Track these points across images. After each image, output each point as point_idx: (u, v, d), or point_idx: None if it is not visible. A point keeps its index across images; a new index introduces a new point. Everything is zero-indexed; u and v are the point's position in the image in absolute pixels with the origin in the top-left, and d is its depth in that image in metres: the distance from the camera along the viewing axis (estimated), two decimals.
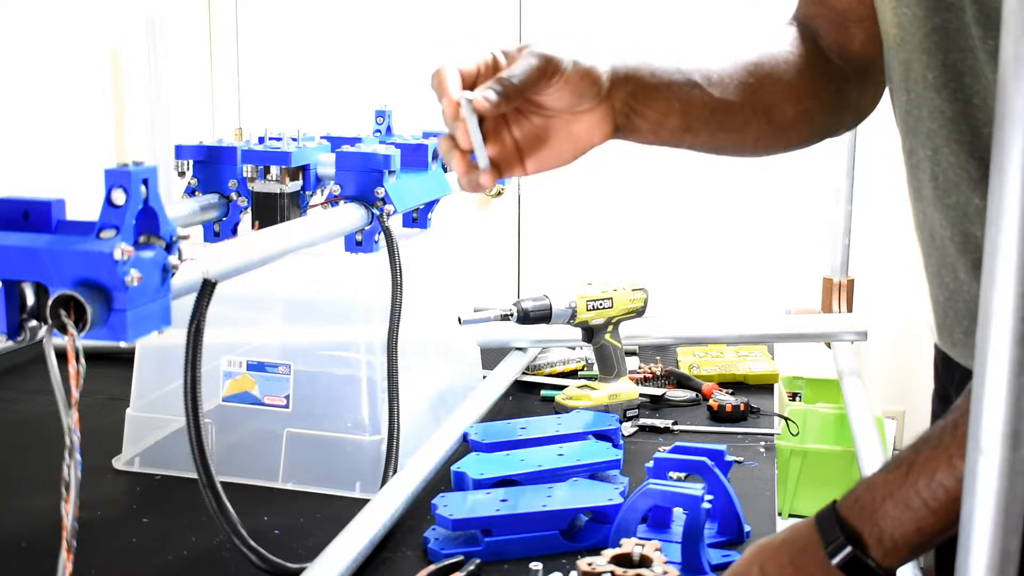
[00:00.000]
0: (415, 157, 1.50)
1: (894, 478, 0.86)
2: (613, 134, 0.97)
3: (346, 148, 1.40)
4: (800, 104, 1.05)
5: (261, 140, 1.47)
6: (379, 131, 1.80)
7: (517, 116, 0.94)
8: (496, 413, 1.65)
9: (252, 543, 1.07)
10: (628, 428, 1.60)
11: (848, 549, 0.87)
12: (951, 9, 0.88)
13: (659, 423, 1.62)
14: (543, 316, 1.58)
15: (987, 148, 0.80)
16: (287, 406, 1.40)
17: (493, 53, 0.92)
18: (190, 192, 1.43)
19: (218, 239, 1.43)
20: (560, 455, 1.36)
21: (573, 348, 1.90)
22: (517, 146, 0.95)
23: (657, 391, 1.74)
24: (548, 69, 0.90)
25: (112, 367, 1.63)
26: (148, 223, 0.80)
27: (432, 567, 1.13)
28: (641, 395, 1.68)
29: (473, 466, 1.33)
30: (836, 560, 0.88)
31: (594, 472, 1.34)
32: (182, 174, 1.43)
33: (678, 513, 1.23)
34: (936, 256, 0.99)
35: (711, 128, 1.01)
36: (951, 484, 0.82)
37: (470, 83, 0.91)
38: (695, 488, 1.14)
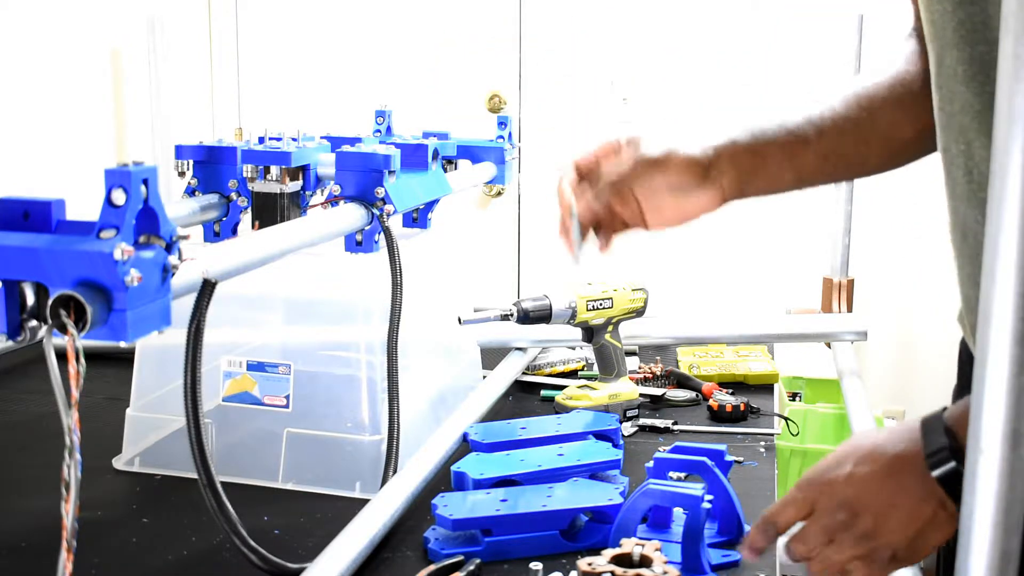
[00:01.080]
0: (415, 157, 1.50)
1: None
2: (724, 204, 1.07)
3: (346, 148, 1.40)
4: (919, 122, 1.05)
5: (261, 140, 1.46)
6: (379, 131, 1.80)
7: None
8: (496, 413, 1.65)
9: (252, 543, 1.07)
10: (628, 428, 1.60)
11: (952, 464, 0.83)
12: (975, 2, 0.89)
13: (659, 423, 1.62)
14: (543, 316, 1.58)
15: None
16: (287, 406, 1.40)
17: (610, 142, 1.07)
18: (190, 192, 1.43)
19: (218, 239, 1.43)
20: (560, 455, 1.36)
21: (573, 348, 1.90)
22: (639, 205, 1.07)
23: (657, 391, 1.74)
24: (653, 168, 1.03)
25: (112, 367, 1.63)
26: (148, 223, 0.80)
27: (432, 567, 1.13)
28: (641, 395, 1.68)
29: (473, 466, 1.33)
30: (937, 472, 0.84)
31: (594, 472, 1.34)
32: (182, 174, 1.43)
33: (678, 513, 1.23)
34: (968, 254, 0.97)
35: (826, 173, 1.07)
36: None
37: (589, 170, 1.08)
38: (695, 488, 1.14)
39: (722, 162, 1.03)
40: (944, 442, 0.84)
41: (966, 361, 1.12)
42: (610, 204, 1.07)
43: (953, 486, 0.83)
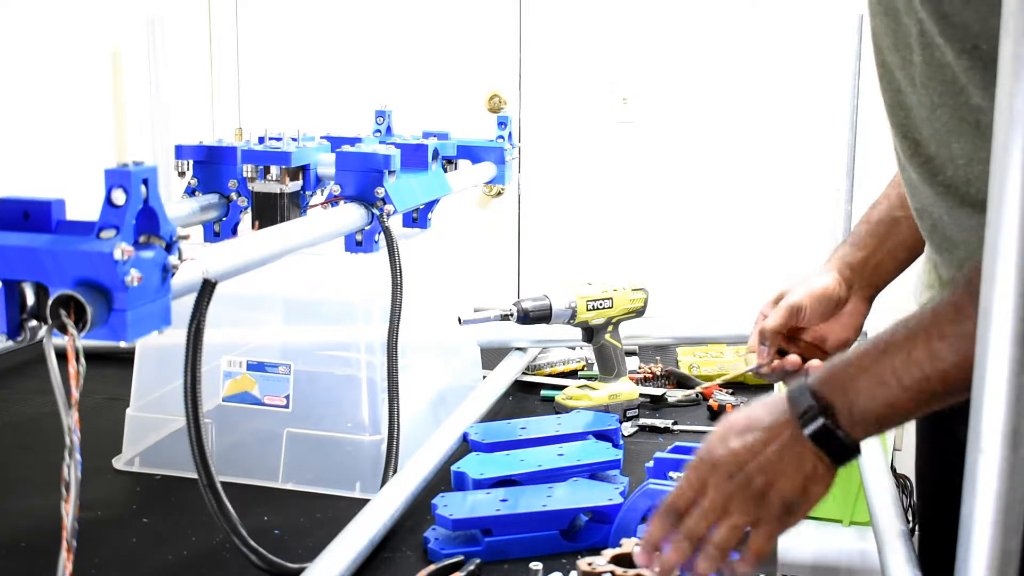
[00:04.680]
0: (415, 157, 1.50)
1: (870, 356, 0.91)
2: (871, 302, 1.33)
3: (346, 148, 1.40)
4: None
5: (261, 140, 1.46)
6: (379, 131, 1.80)
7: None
8: (496, 413, 1.65)
9: (252, 543, 1.07)
10: (628, 428, 1.60)
11: (820, 420, 0.90)
12: (888, 12, 0.98)
13: (659, 423, 1.62)
14: (543, 316, 1.58)
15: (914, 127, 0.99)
16: (287, 406, 1.40)
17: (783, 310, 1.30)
18: (190, 192, 1.42)
19: (218, 239, 1.43)
20: (560, 455, 1.37)
21: (573, 348, 1.90)
22: (815, 343, 1.32)
23: (657, 391, 1.74)
24: (794, 314, 1.29)
25: (112, 367, 1.63)
26: (148, 223, 0.80)
27: (432, 567, 1.13)
28: (641, 395, 1.68)
29: (473, 466, 1.33)
30: (809, 430, 0.91)
31: (594, 472, 1.34)
32: (182, 174, 1.43)
33: None
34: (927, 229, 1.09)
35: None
36: (926, 364, 0.87)
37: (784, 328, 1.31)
38: None
39: (846, 276, 1.29)
40: (811, 403, 0.92)
41: None
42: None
43: (825, 441, 0.91)
